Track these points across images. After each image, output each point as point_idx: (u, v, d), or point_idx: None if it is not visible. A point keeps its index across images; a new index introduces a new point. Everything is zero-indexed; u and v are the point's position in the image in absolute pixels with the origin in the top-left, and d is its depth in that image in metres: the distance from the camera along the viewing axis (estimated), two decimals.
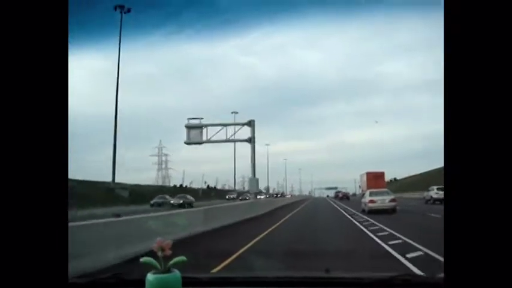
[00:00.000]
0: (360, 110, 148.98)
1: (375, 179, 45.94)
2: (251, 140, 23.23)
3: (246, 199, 48.47)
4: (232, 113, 51.54)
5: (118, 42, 40.87)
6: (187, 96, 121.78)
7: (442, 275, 1.23)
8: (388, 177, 60.60)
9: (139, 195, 44.77)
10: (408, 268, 6.28)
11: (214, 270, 5.92)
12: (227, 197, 65.72)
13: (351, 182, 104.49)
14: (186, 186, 71.84)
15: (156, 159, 77.82)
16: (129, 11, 40.49)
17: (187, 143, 23.38)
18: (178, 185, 71.06)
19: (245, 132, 23.27)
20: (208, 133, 22.90)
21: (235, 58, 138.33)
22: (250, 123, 23.35)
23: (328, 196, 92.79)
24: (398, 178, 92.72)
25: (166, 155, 78.52)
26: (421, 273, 4.69)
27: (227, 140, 23.90)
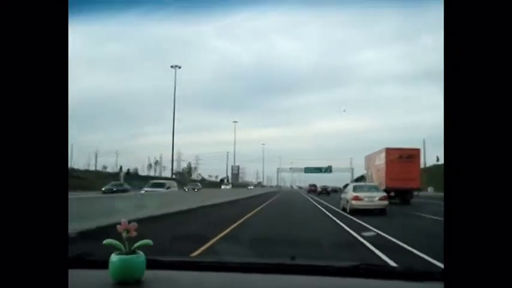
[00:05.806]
0: (335, 99, 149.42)
1: (400, 163, 23.99)
2: None
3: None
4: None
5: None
6: (159, 79, 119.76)
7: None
8: None
9: None
10: None
11: None
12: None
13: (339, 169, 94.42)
14: None
15: None
16: None
17: None
18: None
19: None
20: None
21: (212, 42, 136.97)
22: None
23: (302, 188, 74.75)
24: None
25: None
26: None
27: None
